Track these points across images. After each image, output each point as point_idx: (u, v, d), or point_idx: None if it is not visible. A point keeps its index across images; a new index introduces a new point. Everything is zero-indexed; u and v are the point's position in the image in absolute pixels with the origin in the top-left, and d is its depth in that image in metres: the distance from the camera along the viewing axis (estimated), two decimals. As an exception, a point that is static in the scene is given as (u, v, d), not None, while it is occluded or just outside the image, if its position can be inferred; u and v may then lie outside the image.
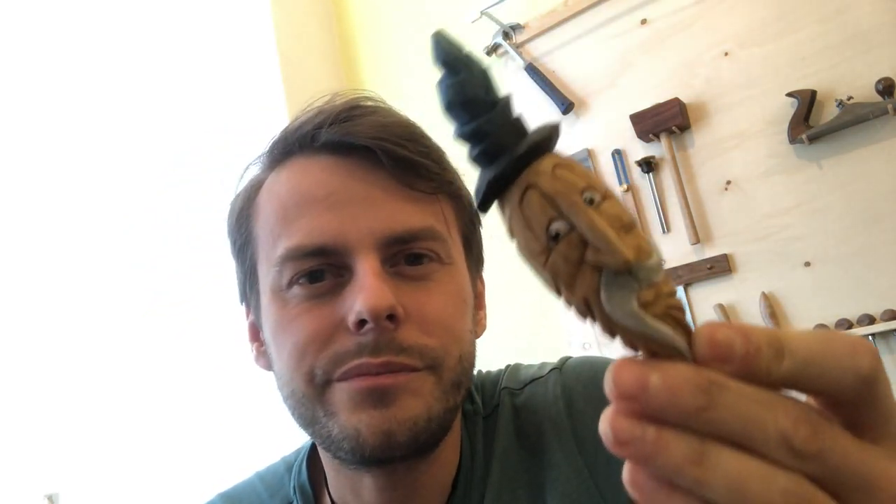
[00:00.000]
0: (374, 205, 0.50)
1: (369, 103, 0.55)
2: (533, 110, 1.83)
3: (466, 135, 0.23)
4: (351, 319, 0.47)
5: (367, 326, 0.47)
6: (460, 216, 0.58)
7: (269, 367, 0.56)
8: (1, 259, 2.55)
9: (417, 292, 0.50)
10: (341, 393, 0.48)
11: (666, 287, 0.23)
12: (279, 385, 0.53)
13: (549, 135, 0.23)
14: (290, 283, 0.50)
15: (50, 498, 2.30)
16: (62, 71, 2.44)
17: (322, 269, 0.50)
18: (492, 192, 0.23)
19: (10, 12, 2.56)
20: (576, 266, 0.23)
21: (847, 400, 0.23)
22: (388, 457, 0.48)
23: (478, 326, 0.59)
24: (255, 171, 0.58)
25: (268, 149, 0.56)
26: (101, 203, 2.30)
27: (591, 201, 0.22)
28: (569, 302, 0.23)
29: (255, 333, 0.59)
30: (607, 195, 0.23)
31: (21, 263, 2.50)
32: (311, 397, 0.49)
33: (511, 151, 0.22)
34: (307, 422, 0.51)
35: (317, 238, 0.49)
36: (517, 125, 0.23)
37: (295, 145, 0.54)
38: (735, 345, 0.22)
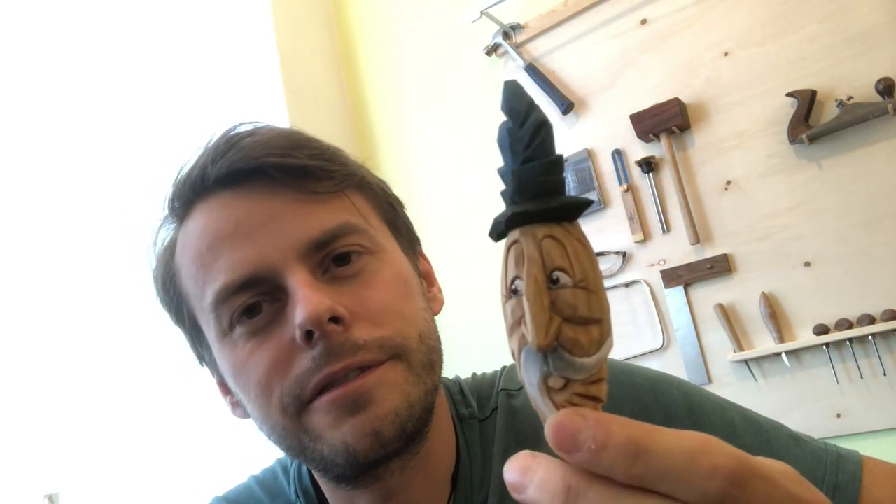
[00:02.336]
0: (283, 220, 0.50)
1: (245, 128, 0.54)
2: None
3: (503, 174, 0.25)
4: (297, 335, 0.47)
5: (316, 336, 0.46)
6: (375, 203, 0.57)
7: (245, 414, 0.56)
8: (1, 259, 2.55)
9: (356, 289, 0.50)
10: (317, 413, 0.48)
11: (583, 389, 0.24)
12: (259, 426, 0.52)
13: (569, 205, 0.24)
14: (231, 325, 0.50)
15: (50, 498, 2.30)
16: (62, 71, 2.44)
17: (256, 302, 0.49)
18: (495, 229, 0.25)
19: (10, 12, 2.56)
20: (516, 323, 0.25)
21: None
22: (383, 456, 0.48)
23: (434, 303, 0.59)
24: (163, 234, 0.57)
25: (167, 208, 0.56)
26: (101, 203, 2.30)
27: (555, 281, 0.23)
28: (509, 341, 0.26)
29: (225, 388, 0.58)
30: (582, 285, 0.23)
31: (21, 264, 2.50)
32: (291, 428, 0.49)
33: (522, 205, 0.24)
34: (297, 452, 0.50)
35: (240, 272, 0.49)
36: (547, 185, 0.24)
37: (190, 194, 0.53)
38: (580, 437, 0.22)
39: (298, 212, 0.50)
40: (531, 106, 0.24)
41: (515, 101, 0.24)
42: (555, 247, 0.24)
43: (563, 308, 0.23)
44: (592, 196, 1.71)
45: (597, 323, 0.23)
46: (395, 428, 0.47)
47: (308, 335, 0.46)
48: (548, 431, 0.23)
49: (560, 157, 0.24)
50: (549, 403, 0.24)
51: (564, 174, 0.24)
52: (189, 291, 0.53)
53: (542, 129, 0.24)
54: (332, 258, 0.50)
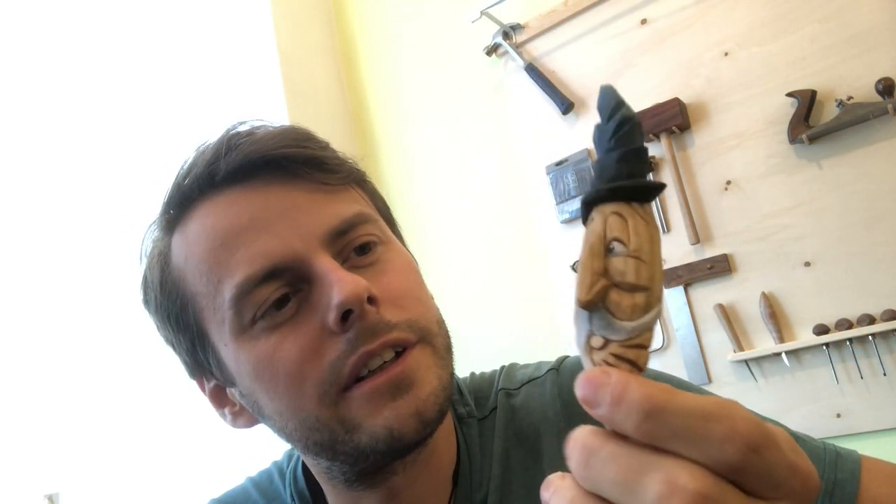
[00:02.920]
0: (301, 210, 0.50)
1: (245, 126, 0.54)
2: (533, 110, 1.83)
3: (594, 165, 0.27)
4: (332, 317, 0.46)
5: (353, 316, 0.46)
6: (374, 197, 0.58)
7: (252, 422, 0.55)
8: (1, 259, 2.55)
9: (377, 276, 0.50)
10: (356, 402, 0.47)
11: (620, 350, 0.25)
12: (280, 426, 0.51)
13: (634, 187, 0.25)
14: (253, 320, 0.48)
15: (50, 498, 2.30)
16: (62, 72, 2.44)
17: (285, 294, 0.48)
18: (582, 206, 0.28)
19: (9, 12, 2.56)
20: None
21: (732, 468, 0.22)
22: (423, 437, 0.48)
23: None
24: (156, 239, 0.55)
25: (160, 213, 0.54)
26: (101, 203, 2.30)
27: (609, 250, 0.26)
28: None
29: (222, 399, 0.56)
30: (635, 254, 0.25)
31: (22, 264, 2.50)
32: (325, 419, 0.48)
33: (597, 186, 0.26)
34: (324, 446, 0.49)
35: (262, 262, 0.48)
36: (622, 170, 0.26)
37: (193, 193, 0.52)
38: (600, 391, 0.23)
39: (315, 202, 0.50)
40: (619, 104, 0.26)
41: (604, 101, 0.26)
42: (617, 221, 0.25)
43: (614, 273, 0.25)
44: (592, 196, 1.71)
45: (643, 290, 0.25)
46: (435, 409, 0.48)
47: (345, 316, 0.46)
48: (576, 385, 0.24)
49: (640, 148, 0.26)
50: (588, 361, 0.26)
51: (646, 163, 0.26)
52: (197, 291, 0.51)
53: (626, 124, 0.26)
54: (353, 248, 0.51)
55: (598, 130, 0.26)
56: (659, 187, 0.26)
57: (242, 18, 2.03)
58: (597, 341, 0.26)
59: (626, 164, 0.25)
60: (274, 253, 0.48)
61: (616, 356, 0.25)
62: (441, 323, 0.54)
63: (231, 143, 0.51)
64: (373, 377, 0.47)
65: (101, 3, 2.36)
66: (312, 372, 0.47)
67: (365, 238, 0.51)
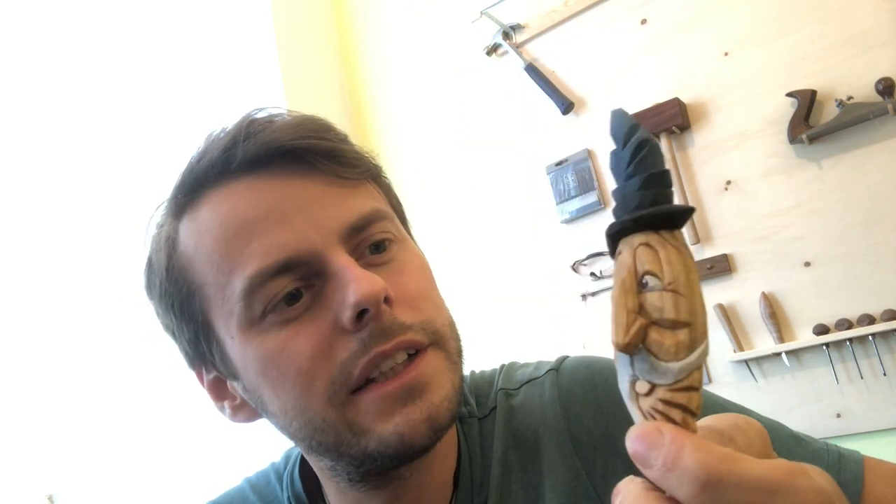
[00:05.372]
0: (318, 203, 0.48)
1: (263, 114, 0.52)
2: (533, 110, 1.83)
3: (614, 193, 0.26)
4: (347, 316, 0.45)
5: (368, 316, 0.45)
6: (389, 195, 0.56)
7: (252, 416, 0.54)
8: (1, 259, 2.55)
9: (391, 275, 0.49)
10: (367, 405, 0.46)
11: (669, 395, 0.23)
12: (283, 424, 0.49)
13: (660, 214, 0.24)
14: (264, 314, 0.47)
15: (50, 498, 2.30)
16: (62, 72, 2.43)
17: (297, 288, 0.47)
18: (607, 239, 0.27)
19: (9, 12, 2.56)
20: None
21: None
22: (433, 443, 0.47)
23: None
24: (158, 226, 0.53)
25: (169, 197, 0.52)
26: (101, 204, 2.30)
27: (643, 284, 0.24)
28: None
29: (222, 391, 0.55)
30: (671, 288, 0.23)
31: (22, 264, 2.50)
32: (332, 421, 0.47)
33: (621, 217, 0.25)
34: (329, 447, 0.48)
35: (277, 255, 0.46)
36: (645, 198, 0.24)
37: (206, 178, 0.50)
38: (652, 454, 0.22)
39: (333, 195, 0.49)
40: (633, 127, 0.24)
41: (618, 126, 0.25)
42: (647, 252, 0.24)
43: (651, 310, 0.23)
44: (592, 196, 1.71)
45: (685, 326, 0.23)
46: (448, 415, 0.47)
47: (359, 316, 0.45)
48: (627, 440, 0.23)
49: (661, 172, 0.24)
50: (636, 410, 0.24)
51: (670, 187, 0.25)
52: (205, 281, 0.49)
53: (643, 147, 0.24)
54: (368, 246, 0.49)
55: (615, 157, 0.25)
56: (687, 211, 0.24)
57: (243, 19, 2.03)
58: (642, 387, 0.24)
59: (648, 191, 0.24)
60: (289, 246, 0.46)
61: (665, 402, 0.23)
62: (453, 326, 0.52)
63: (249, 129, 0.49)
64: (384, 382, 0.46)
65: (102, 4, 2.36)
66: (323, 370, 0.46)
67: (381, 236, 0.50)
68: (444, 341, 0.50)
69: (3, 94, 2.58)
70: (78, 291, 2.33)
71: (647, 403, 0.23)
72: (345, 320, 0.45)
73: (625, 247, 0.25)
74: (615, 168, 0.25)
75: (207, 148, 0.50)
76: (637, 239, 0.24)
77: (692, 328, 0.23)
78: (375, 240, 0.50)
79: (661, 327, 0.23)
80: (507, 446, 0.57)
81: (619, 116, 0.25)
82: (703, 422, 0.25)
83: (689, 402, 0.23)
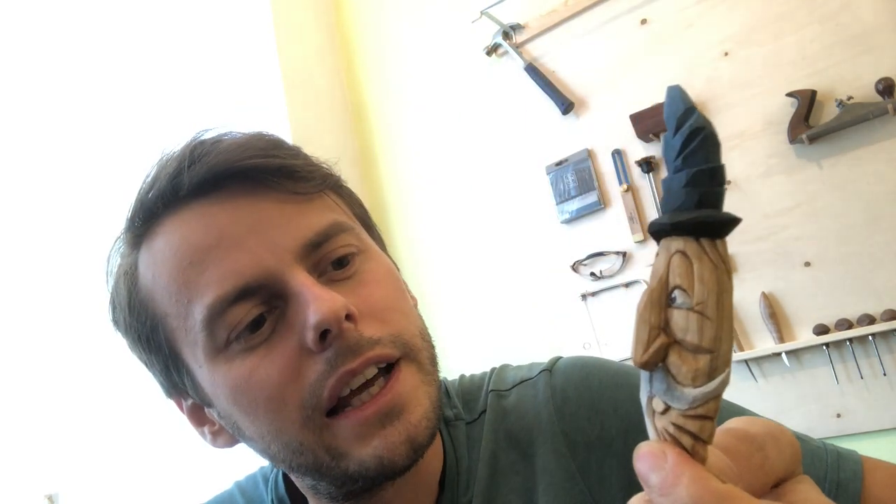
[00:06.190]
0: (271, 223, 0.47)
1: (209, 135, 0.51)
2: (533, 110, 1.83)
3: (663, 183, 0.24)
4: (310, 337, 0.44)
5: (331, 336, 0.44)
6: (350, 203, 0.55)
7: (232, 441, 0.53)
8: (1, 260, 2.55)
9: (356, 288, 0.48)
10: (344, 430, 0.45)
11: (681, 420, 0.22)
12: (262, 447, 0.49)
13: (701, 221, 0.22)
14: (228, 342, 0.46)
15: (50, 498, 2.30)
16: (62, 72, 2.44)
17: (260, 315, 0.46)
18: (650, 234, 0.24)
19: (9, 12, 2.56)
20: None
21: None
22: (414, 461, 0.46)
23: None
24: (117, 261, 0.53)
25: (124, 228, 0.52)
26: (101, 204, 2.30)
27: (672, 300, 0.22)
28: None
29: (201, 417, 0.54)
30: (698, 309, 0.22)
31: (22, 264, 2.50)
32: (309, 444, 0.46)
33: (662, 217, 0.23)
34: (309, 468, 0.47)
35: (234, 281, 0.45)
36: (690, 197, 0.22)
37: (156, 207, 0.49)
38: (652, 475, 0.22)
39: (286, 214, 0.48)
40: (688, 111, 0.22)
41: (672, 107, 0.22)
42: (682, 263, 0.22)
43: (676, 329, 0.22)
44: (592, 196, 1.71)
45: (707, 353, 0.21)
46: (427, 432, 0.46)
47: (323, 336, 0.44)
48: (634, 456, 0.23)
49: (712, 168, 0.21)
50: (650, 426, 0.23)
51: (721, 186, 0.22)
52: (167, 312, 0.48)
53: (696, 137, 0.21)
54: (331, 262, 0.48)
55: (666, 144, 0.22)
56: (733, 221, 0.22)
57: (243, 19, 2.03)
58: (658, 405, 0.23)
59: (695, 190, 0.21)
60: (245, 271, 0.45)
61: (677, 427, 0.22)
62: (424, 334, 0.51)
63: (195, 154, 0.48)
64: (361, 407, 0.45)
65: (102, 4, 2.36)
66: (293, 394, 0.45)
67: (342, 251, 0.49)
68: (415, 352, 0.49)
69: (2, 95, 2.58)
70: (78, 291, 2.33)
71: (661, 423, 0.23)
72: (308, 342, 0.44)
73: (663, 250, 0.23)
74: (666, 156, 0.22)
75: (156, 176, 0.50)
76: (675, 244, 0.22)
77: (714, 356, 0.21)
78: (337, 255, 0.48)
79: (682, 349, 0.22)
80: (497, 448, 0.56)
81: (673, 96, 0.22)
82: (738, 423, 0.25)
83: (700, 431, 0.22)
